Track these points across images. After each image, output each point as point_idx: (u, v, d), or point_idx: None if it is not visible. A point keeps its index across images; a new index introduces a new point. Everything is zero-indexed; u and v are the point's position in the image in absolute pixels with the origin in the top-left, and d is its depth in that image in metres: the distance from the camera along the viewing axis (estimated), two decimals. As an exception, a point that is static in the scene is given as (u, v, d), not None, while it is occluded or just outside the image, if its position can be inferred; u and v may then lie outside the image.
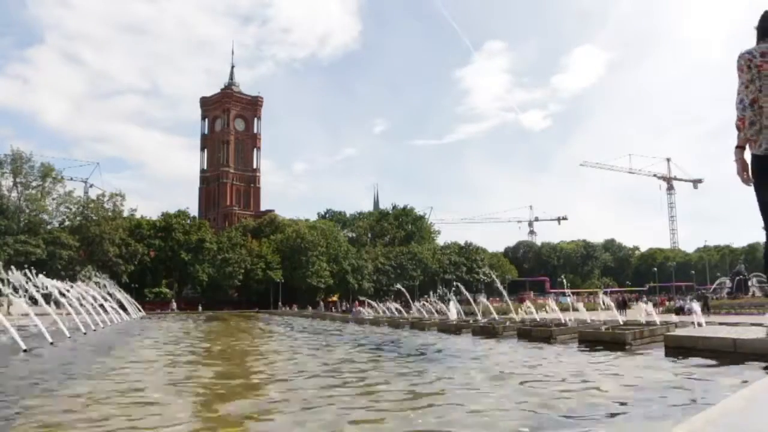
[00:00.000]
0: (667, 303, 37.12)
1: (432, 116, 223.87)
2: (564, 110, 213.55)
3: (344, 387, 5.31)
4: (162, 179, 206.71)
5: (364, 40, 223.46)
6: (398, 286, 50.61)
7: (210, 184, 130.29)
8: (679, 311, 33.57)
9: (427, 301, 33.69)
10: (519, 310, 24.09)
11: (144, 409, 4.36)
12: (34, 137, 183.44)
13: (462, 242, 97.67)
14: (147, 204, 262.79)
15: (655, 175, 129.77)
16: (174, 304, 65.61)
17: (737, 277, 60.08)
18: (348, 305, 57.21)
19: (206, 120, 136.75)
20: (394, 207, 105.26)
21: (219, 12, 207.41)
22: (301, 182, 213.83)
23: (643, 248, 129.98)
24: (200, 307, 66.03)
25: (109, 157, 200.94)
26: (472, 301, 27.91)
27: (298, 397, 4.80)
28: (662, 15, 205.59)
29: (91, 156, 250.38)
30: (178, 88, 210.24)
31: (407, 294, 37.83)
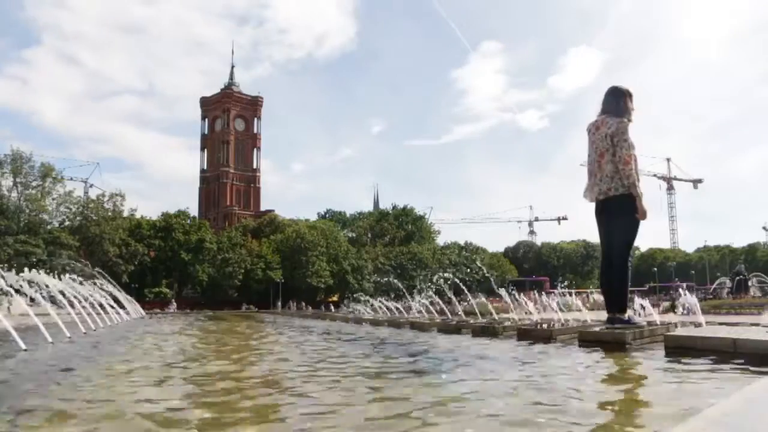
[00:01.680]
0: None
1: (430, 116, 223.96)
2: (561, 110, 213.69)
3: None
4: (161, 179, 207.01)
5: (360, 40, 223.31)
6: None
7: (210, 184, 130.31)
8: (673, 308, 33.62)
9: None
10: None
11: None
12: (32, 138, 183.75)
13: (462, 242, 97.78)
14: (147, 204, 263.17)
15: (655, 175, 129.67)
16: (174, 305, 65.53)
17: (737, 277, 59.96)
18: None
19: (206, 120, 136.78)
20: (394, 207, 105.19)
21: (215, 13, 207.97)
22: (300, 182, 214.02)
23: (643, 248, 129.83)
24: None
25: (108, 158, 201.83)
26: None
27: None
28: (662, 15, 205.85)
29: (90, 156, 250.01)
30: (174, 89, 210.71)
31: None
